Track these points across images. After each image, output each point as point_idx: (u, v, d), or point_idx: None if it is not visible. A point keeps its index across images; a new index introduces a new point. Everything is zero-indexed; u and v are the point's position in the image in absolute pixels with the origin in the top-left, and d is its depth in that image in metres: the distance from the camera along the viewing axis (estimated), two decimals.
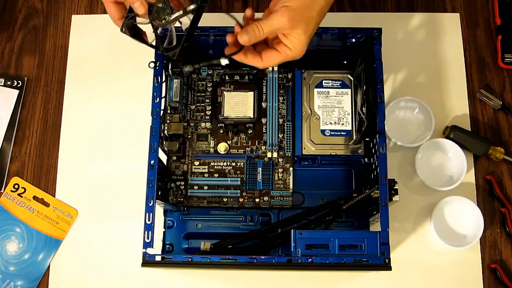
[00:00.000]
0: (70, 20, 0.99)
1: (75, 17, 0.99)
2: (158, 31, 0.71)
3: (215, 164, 0.88)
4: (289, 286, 0.86)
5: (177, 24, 0.72)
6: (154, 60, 0.79)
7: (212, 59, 0.73)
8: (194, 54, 0.88)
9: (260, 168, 0.87)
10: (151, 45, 0.73)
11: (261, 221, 0.87)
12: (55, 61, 0.97)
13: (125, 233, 0.88)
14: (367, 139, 0.85)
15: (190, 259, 0.72)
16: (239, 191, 0.87)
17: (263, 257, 0.72)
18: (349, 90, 0.89)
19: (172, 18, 0.70)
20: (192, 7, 0.69)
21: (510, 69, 0.95)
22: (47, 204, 0.90)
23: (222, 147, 0.88)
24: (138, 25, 0.72)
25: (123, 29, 0.71)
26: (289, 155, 0.88)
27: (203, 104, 0.90)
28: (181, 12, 0.70)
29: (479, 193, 0.90)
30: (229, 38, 0.73)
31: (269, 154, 0.88)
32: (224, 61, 0.71)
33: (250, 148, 0.89)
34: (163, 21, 0.70)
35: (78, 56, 0.97)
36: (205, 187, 0.87)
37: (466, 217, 0.87)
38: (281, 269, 0.81)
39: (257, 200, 0.87)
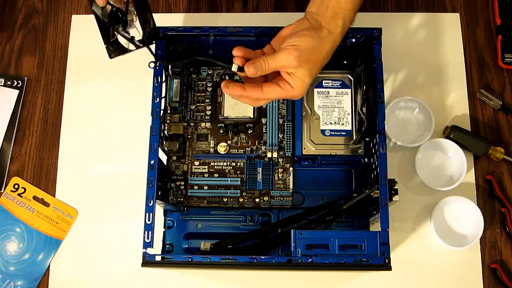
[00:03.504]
0: (70, 20, 0.99)
1: (75, 17, 0.99)
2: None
3: (215, 164, 0.88)
4: (289, 286, 0.86)
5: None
6: (154, 60, 0.79)
7: (217, 59, 0.72)
8: (194, 54, 0.89)
9: (260, 168, 0.87)
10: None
11: (261, 221, 0.87)
12: (55, 61, 0.97)
13: (125, 233, 0.88)
14: (367, 139, 0.85)
15: (190, 259, 0.72)
16: (239, 191, 0.87)
17: (263, 257, 0.72)
18: (349, 90, 0.89)
19: (121, 32, 0.73)
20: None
21: (510, 69, 0.95)
22: (47, 204, 0.90)
23: (222, 147, 0.88)
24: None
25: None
26: (289, 155, 0.88)
27: (203, 104, 0.90)
28: (129, 37, 0.74)
29: (479, 193, 0.90)
30: (238, 52, 0.70)
31: (269, 154, 0.88)
32: (234, 67, 0.71)
33: (250, 148, 0.89)
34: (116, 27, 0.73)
35: (78, 56, 0.97)
36: (205, 187, 0.87)
37: (466, 217, 0.87)
38: (281, 269, 0.81)
39: (257, 200, 0.87)
